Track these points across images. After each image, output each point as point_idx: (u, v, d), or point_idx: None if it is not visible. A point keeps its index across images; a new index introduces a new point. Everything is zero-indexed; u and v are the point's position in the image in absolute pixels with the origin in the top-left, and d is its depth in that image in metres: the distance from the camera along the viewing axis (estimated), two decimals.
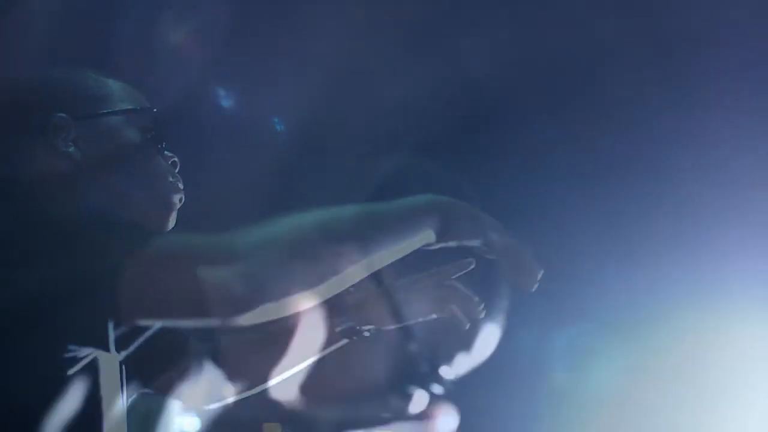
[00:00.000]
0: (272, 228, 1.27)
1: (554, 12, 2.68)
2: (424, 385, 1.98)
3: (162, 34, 2.38)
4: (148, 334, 1.29)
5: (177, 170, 1.56)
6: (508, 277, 1.45)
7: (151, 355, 1.36)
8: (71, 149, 1.43)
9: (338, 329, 1.64)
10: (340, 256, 1.26)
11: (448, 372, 2.01)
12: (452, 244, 1.41)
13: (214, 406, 1.66)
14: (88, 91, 1.50)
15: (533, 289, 1.45)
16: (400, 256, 1.35)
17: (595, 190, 2.83)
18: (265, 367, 1.63)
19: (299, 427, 2.38)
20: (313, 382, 1.78)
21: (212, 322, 1.24)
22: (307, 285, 1.25)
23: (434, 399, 2.02)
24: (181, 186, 1.54)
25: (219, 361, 1.62)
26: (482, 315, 1.65)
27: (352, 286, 1.39)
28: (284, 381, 1.65)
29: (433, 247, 1.40)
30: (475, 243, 1.41)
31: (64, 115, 1.44)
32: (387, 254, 1.33)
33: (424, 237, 1.36)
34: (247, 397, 1.65)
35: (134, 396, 1.49)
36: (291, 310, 1.26)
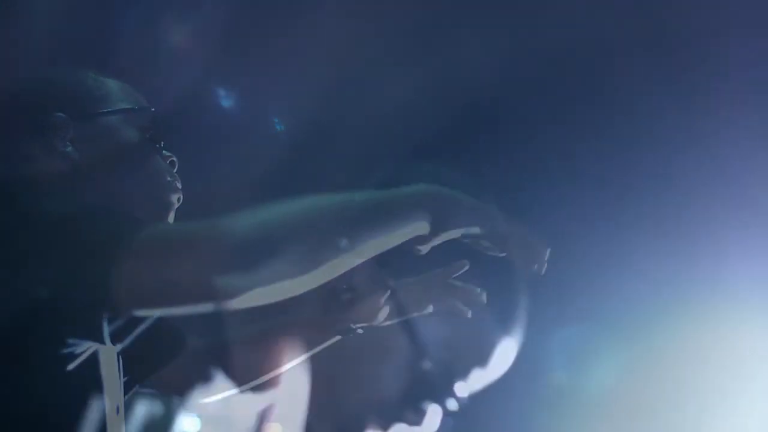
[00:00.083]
0: (264, 212, 1.27)
1: (557, 12, 2.68)
2: (430, 392, 1.98)
3: (161, 33, 2.38)
4: (144, 326, 1.30)
5: (175, 170, 1.56)
6: (515, 262, 1.44)
7: (149, 347, 1.36)
8: (69, 149, 1.44)
9: (331, 326, 1.65)
10: (331, 240, 1.26)
11: (461, 388, 2.01)
12: (454, 234, 1.40)
13: (210, 400, 1.67)
14: (86, 91, 1.50)
15: (543, 271, 1.44)
16: (393, 243, 1.34)
17: (595, 191, 2.83)
18: (259, 363, 1.64)
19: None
20: (313, 382, 1.78)
21: (205, 307, 1.24)
22: (298, 269, 1.25)
23: (440, 408, 2.01)
24: (179, 185, 1.54)
25: (214, 355, 1.63)
26: (483, 300, 1.64)
27: (346, 283, 1.39)
28: (280, 377, 1.66)
29: (436, 241, 1.39)
30: (476, 231, 1.41)
31: (62, 114, 1.45)
32: (379, 241, 1.32)
33: (418, 226, 1.35)
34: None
35: (133, 392, 1.50)
36: (283, 295, 1.26)
